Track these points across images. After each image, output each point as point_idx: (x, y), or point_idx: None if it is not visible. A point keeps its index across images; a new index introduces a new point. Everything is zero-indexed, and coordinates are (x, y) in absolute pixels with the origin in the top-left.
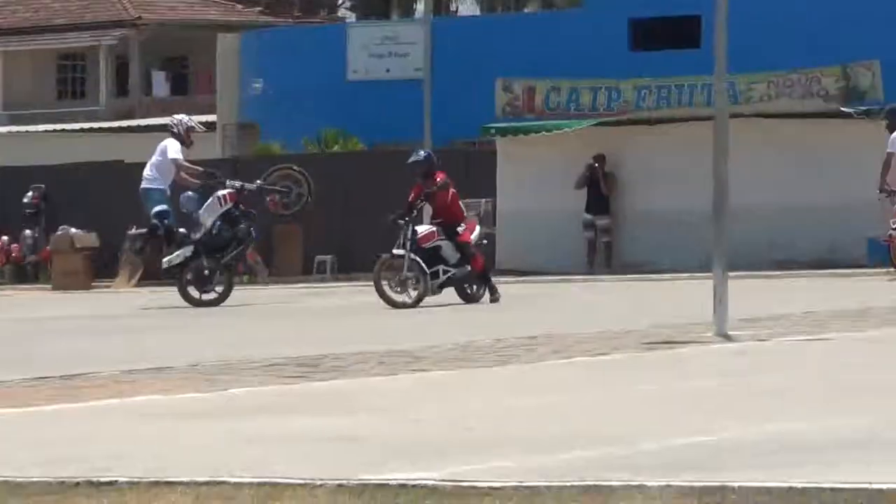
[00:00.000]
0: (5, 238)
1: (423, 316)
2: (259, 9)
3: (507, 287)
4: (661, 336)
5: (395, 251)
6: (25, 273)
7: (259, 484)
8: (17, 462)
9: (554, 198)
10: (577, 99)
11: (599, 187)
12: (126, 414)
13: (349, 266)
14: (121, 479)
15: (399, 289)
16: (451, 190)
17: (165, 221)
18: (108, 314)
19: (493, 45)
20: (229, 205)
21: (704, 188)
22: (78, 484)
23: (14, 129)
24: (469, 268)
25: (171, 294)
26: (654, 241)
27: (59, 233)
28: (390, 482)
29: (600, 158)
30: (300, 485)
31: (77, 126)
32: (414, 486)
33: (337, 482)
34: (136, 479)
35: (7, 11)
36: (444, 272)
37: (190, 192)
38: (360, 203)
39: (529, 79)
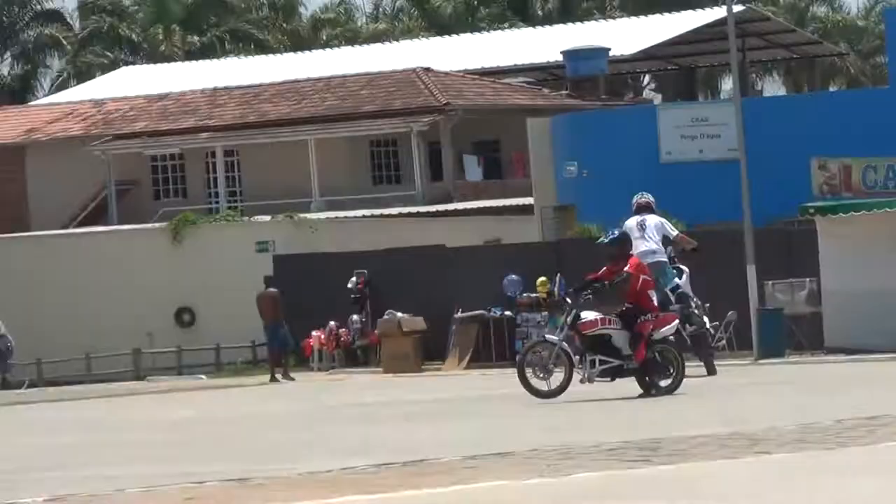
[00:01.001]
0: (333, 323)
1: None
2: (566, 92)
3: (837, 367)
4: None
5: (547, 336)
6: (356, 357)
7: None
8: None
9: (879, 275)
10: (894, 176)
11: None
12: (470, 501)
13: None
14: None
15: (542, 374)
16: (642, 277)
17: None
18: (441, 398)
19: (804, 124)
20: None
21: None
22: None
23: (332, 214)
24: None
25: (496, 377)
26: None
27: (385, 317)
28: None
29: None
30: None
31: (395, 211)
32: None
33: None
34: None
35: (317, 99)
36: (602, 362)
37: (514, 276)
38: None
39: (844, 157)
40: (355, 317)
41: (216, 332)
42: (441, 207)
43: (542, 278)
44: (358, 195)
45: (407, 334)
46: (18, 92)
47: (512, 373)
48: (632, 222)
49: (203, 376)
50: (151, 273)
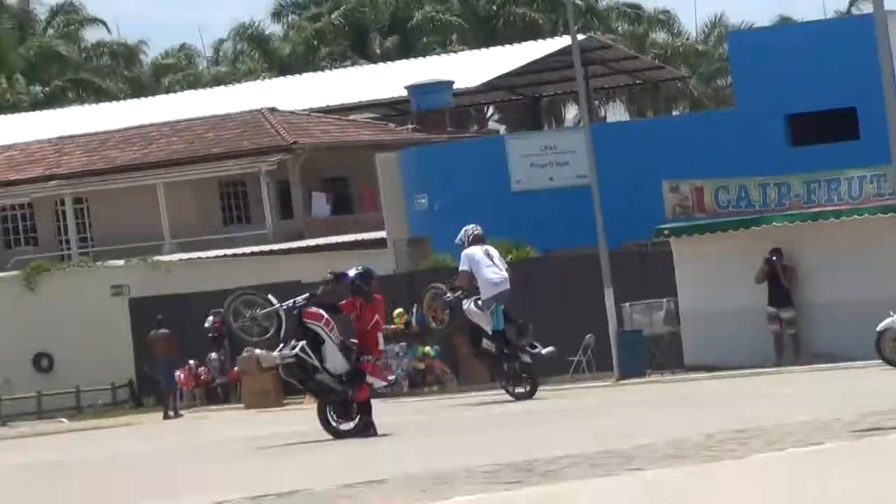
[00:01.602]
0: (192, 362)
1: (628, 417)
2: (412, 126)
3: (699, 384)
4: (869, 423)
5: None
6: (216, 394)
7: None
8: None
9: (735, 293)
10: (746, 196)
11: (780, 280)
12: None
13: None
14: None
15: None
16: (376, 317)
17: None
18: (306, 430)
19: (653, 148)
20: None
21: (886, 276)
22: None
23: (184, 255)
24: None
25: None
26: (839, 330)
27: (244, 354)
28: None
29: (777, 252)
30: None
31: (248, 250)
32: None
33: None
34: None
35: (163, 143)
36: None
37: None
38: (544, 308)
39: (695, 179)
40: (213, 355)
41: (76, 376)
42: (293, 245)
43: (399, 310)
44: (210, 236)
45: (266, 370)
46: None
47: (375, 403)
48: (477, 251)
49: (64, 419)
50: (7, 320)
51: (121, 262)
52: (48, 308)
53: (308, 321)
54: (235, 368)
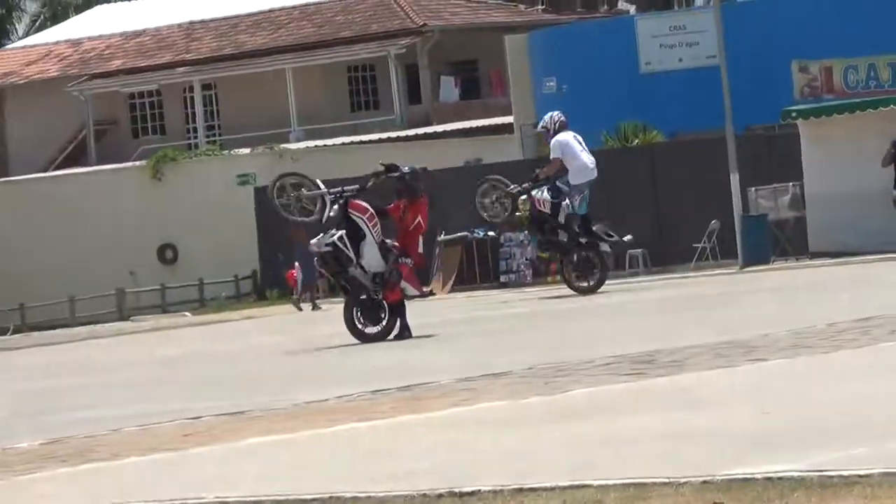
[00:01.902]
0: None
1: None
2: (541, 7)
3: (823, 270)
4: None
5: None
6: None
7: (623, 485)
8: (372, 475)
9: (862, 177)
10: (876, 76)
11: None
12: (472, 422)
13: (662, 259)
14: (483, 489)
15: None
16: (419, 219)
17: None
18: (428, 322)
19: (782, 27)
20: None
21: None
22: (441, 496)
23: (312, 143)
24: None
25: (482, 299)
26: None
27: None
28: (756, 476)
29: None
30: (664, 483)
31: (375, 136)
32: (780, 479)
33: (701, 479)
34: (498, 487)
35: (293, 28)
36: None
37: None
38: (669, 194)
39: (825, 59)
40: None
41: (199, 268)
42: (420, 130)
43: (524, 196)
44: (337, 122)
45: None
46: None
47: (497, 293)
48: (569, 137)
49: (187, 314)
50: (133, 212)
51: (247, 151)
52: (173, 198)
53: (353, 212)
54: None
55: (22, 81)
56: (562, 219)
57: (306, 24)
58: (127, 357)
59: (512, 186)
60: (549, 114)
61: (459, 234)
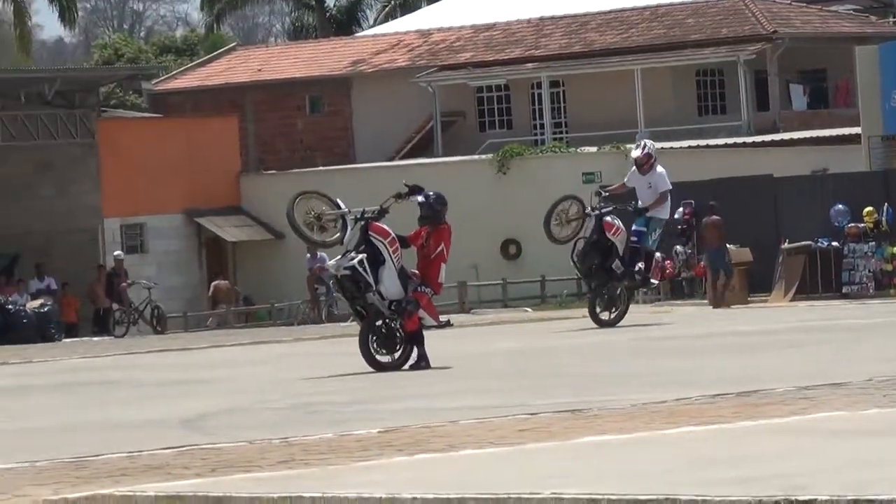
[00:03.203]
0: (659, 255)
1: None
2: (893, 20)
3: None
4: None
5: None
6: (681, 288)
7: None
8: (707, 479)
9: None
10: None
11: None
12: (810, 431)
13: None
14: (820, 497)
15: None
16: (441, 247)
17: None
18: (769, 329)
19: None
20: None
21: None
22: (778, 502)
23: (658, 145)
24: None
25: (823, 309)
26: None
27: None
28: None
29: None
30: None
31: (721, 141)
32: None
33: None
34: (835, 497)
35: (642, 28)
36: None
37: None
38: None
39: None
40: (679, 248)
41: (542, 265)
42: (767, 137)
43: (869, 208)
44: (683, 126)
45: (734, 266)
46: (344, 23)
47: (839, 304)
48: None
49: (528, 309)
50: (477, 205)
51: (593, 149)
52: (518, 193)
53: (374, 235)
54: (702, 263)
55: (370, 70)
56: (621, 249)
57: (656, 26)
58: (466, 349)
59: (594, 208)
60: (648, 141)
61: (803, 242)
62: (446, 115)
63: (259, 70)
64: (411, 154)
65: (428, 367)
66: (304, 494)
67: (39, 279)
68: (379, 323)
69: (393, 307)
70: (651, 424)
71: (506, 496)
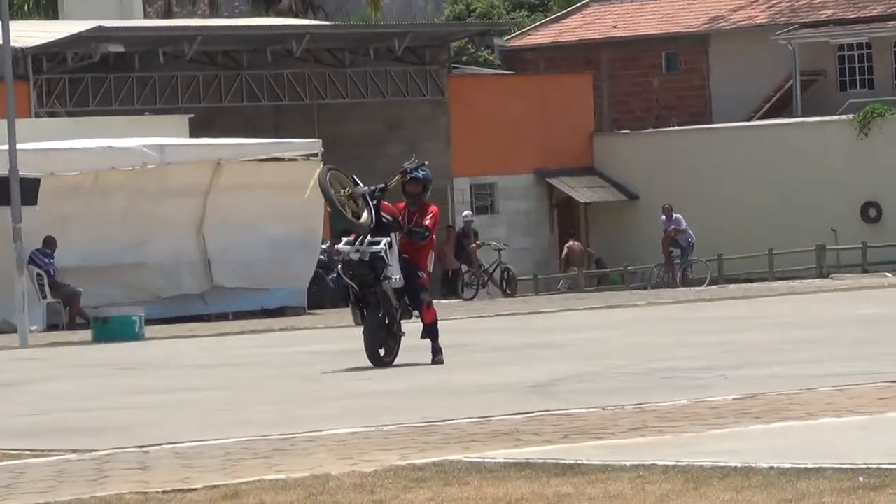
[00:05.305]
0: None
1: None
2: None
3: None
4: None
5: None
6: None
7: None
8: None
9: None
10: None
11: None
12: None
13: None
14: None
15: None
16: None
17: None
18: None
19: None
20: None
21: None
22: None
23: None
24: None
25: None
26: None
27: None
28: None
29: None
30: None
31: None
32: None
33: None
34: None
35: None
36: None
37: None
38: None
39: None
40: None
41: None
42: None
43: None
44: None
45: None
46: None
47: None
48: None
49: (888, 274)
50: (837, 167)
51: None
52: (879, 155)
53: (385, 215)
54: None
55: (729, 27)
56: None
57: None
58: (824, 316)
59: None
60: None
61: None
62: (806, 73)
63: (614, 27)
64: (769, 114)
65: (442, 362)
66: (658, 462)
67: None
68: (381, 314)
69: (406, 299)
70: None
71: (864, 466)
